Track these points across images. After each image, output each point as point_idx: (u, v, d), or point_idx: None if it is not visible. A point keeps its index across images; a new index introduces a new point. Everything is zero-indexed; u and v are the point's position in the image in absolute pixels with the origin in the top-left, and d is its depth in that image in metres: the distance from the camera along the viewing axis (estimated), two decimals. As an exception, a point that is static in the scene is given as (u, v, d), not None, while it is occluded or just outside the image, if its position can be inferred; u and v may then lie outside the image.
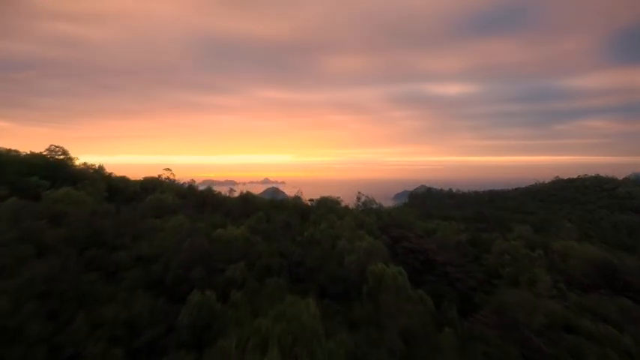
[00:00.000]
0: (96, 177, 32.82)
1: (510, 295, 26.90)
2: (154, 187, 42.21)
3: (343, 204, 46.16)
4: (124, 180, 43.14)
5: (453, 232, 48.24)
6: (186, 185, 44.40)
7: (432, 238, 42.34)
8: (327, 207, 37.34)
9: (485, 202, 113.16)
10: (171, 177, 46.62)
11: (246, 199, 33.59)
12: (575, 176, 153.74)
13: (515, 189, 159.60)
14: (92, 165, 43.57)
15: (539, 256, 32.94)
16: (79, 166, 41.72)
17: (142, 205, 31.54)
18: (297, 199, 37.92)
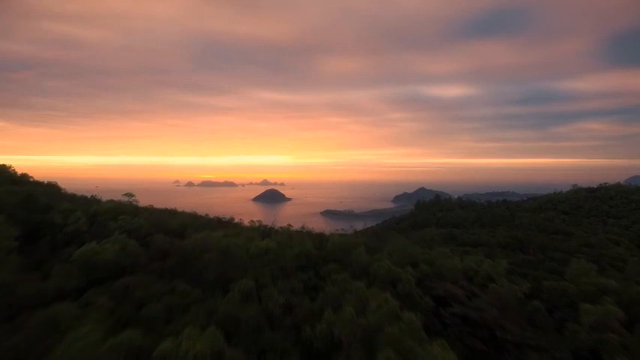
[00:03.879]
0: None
1: None
2: (108, 220, 31.17)
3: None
4: (67, 207, 32.01)
5: (501, 273, 37.44)
6: (155, 217, 33.31)
7: (486, 291, 31.18)
8: (345, 253, 26.43)
9: (506, 217, 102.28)
10: (136, 202, 35.57)
11: (227, 252, 22.54)
12: (595, 184, 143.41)
13: (532, 198, 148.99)
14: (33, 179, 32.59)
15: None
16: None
17: (63, 268, 20.44)
18: (301, 244, 27.00)
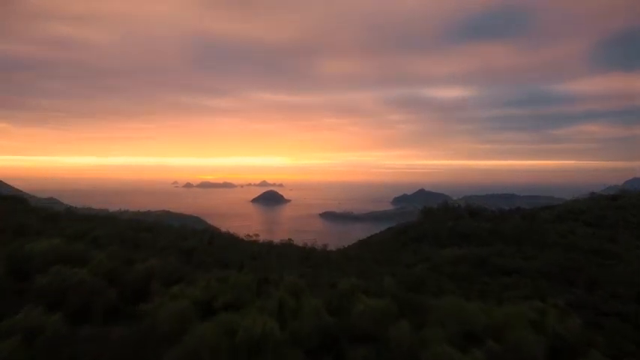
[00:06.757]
0: None
1: None
2: (38, 269, 21.93)
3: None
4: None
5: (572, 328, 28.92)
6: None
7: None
8: (379, 326, 17.05)
9: (526, 229, 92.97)
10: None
11: (200, 346, 13.65)
12: (602, 187, 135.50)
13: (548, 207, 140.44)
14: None
15: None
16: None
17: None
18: (312, 313, 17.59)
